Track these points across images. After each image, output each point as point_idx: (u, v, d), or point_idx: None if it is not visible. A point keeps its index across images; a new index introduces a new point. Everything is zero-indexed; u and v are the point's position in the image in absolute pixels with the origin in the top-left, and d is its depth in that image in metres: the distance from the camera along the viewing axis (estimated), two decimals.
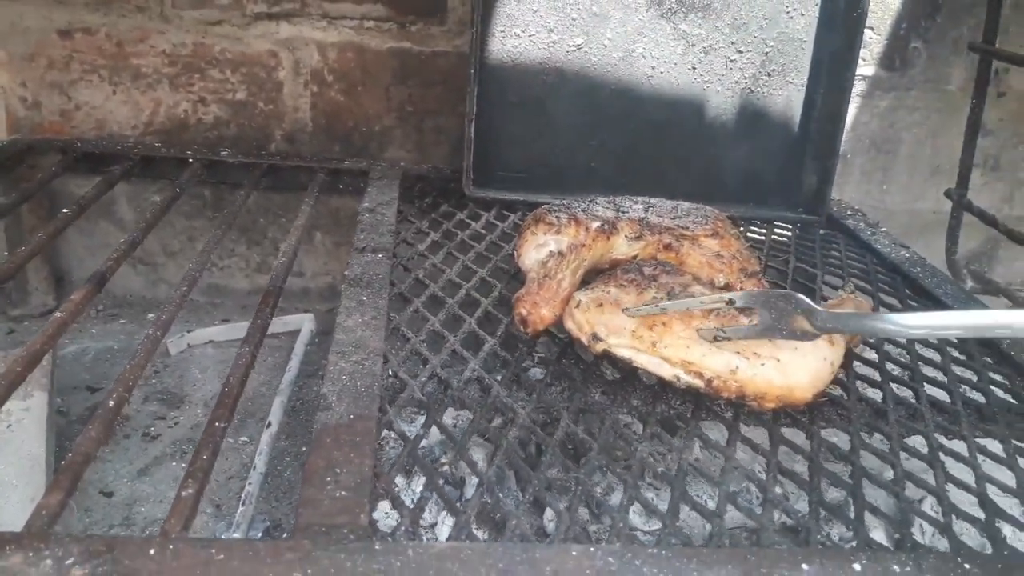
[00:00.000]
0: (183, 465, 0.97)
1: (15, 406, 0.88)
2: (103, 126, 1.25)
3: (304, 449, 1.01)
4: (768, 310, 0.69)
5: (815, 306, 0.68)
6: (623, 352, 0.72)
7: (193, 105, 1.25)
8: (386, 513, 0.69)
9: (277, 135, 1.28)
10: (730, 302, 0.70)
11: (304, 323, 1.24)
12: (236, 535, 0.83)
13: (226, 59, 1.23)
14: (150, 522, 0.88)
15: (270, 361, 1.18)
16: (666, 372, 0.71)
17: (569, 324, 0.75)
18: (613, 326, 0.71)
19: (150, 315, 1.29)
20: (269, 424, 0.99)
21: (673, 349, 0.70)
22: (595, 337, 0.72)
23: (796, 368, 0.69)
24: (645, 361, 0.71)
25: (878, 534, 0.78)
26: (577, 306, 0.74)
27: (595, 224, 0.84)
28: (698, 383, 0.70)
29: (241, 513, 0.85)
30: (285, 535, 0.88)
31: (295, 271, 1.35)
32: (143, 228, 0.95)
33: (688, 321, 0.70)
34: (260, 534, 0.85)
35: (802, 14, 1.19)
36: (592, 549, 0.52)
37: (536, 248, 0.84)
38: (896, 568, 0.54)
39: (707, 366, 0.69)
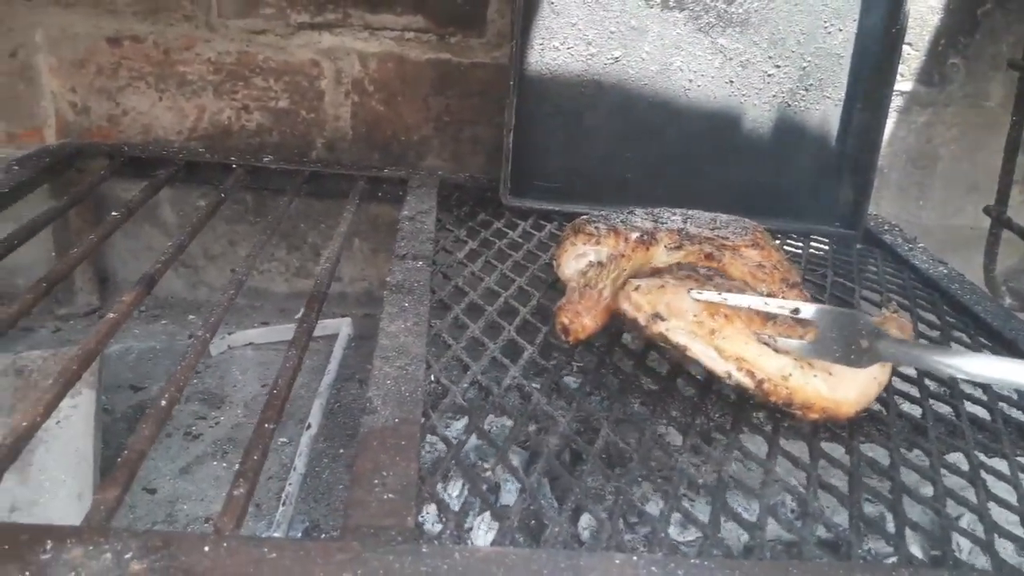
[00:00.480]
0: (224, 464, 0.99)
1: (65, 403, 0.90)
2: (149, 131, 1.28)
3: (342, 451, 1.03)
4: (830, 328, 0.69)
5: (883, 331, 0.68)
6: (680, 337, 0.72)
7: (236, 112, 1.28)
8: (431, 516, 0.70)
9: (318, 143, 1.30)
10: (795, 311, 0.70)
11: (342, 327, 1.26)
12: (277, 534, 0.84)
13: (269, 68, 1.26)
14: (192, 519, 0.90)
15: (308, 364, 1.19)
16: (719, 366, 0.71)
17: (625, 305, 0.75)
18: (675, 308, 0.72)
19: (191, 316, 1.32)
20: (309, 426, 1.00)
21: (731, 343, 0.70)
22: (656, 316, 0.72)
23: (846, 383, 0.69)
24: (699, 351, 0.71)
25: (915, 549, 0.78)
26: (636, 289, 0.74)
27: (634, 235, 0.85)
28: (748, 382, 0.70)
29: (281, 513, 0.87)
30: (323, 535, 0.90)
31: (333, 276, 1.37)
32: (189, 232, 0.98)
33: (750, 319, 0.71)
34: (300, 534, 0.87)
35: (840, 30, 1.19)
36: (635, 558, 0.53)
37: (576, 258, 0.85)
38: None
39: (761, 367, 0.70)
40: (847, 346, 0.68)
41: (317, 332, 1.23)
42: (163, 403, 0.66)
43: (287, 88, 1.27)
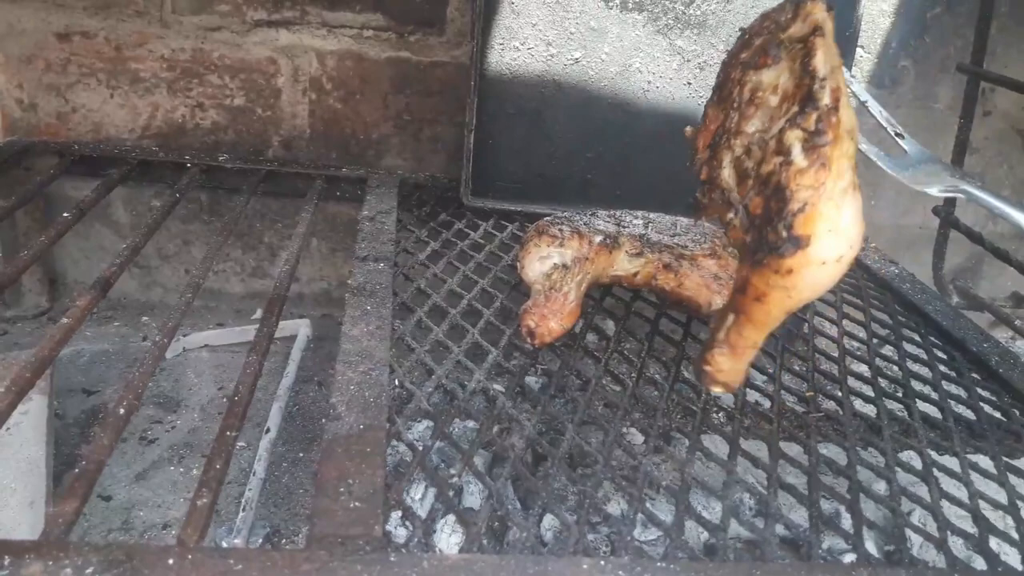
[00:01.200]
0: (181, 470, 0.97)
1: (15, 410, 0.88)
2: (100, 129, 1.25)
3: (302, 455, 1.02)
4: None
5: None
6: None
7: (191, 110, 1.25)
8: (397, 524, 0.69)
9: (274, 141, 1.28)
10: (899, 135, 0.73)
11: (300, 329, 1.24)
12: (237, 540, 0.83)
13: (225, 65, 1.24)
14: (149, 526, 0.88)
15: (267, 366, 1.17)
16: None
17: None
18: None
19: (144, 318, 1.29)
20: (268, 430, 0.99)
21: None
22: None
23: None
24: None
25: (870, 546, 0.80)
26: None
27: (597, 238, 0.85)
28: None
29: (242, 519, 0.85)
30: (284, 541, 0.89)
31: None
32: (144, 233, 0.96)
33: None
34: (260, 539, 0.85)
35: None
36: (602, 563, 0.53)
37: (540, 260, 0.85)
38: None
39: None
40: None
41: (275, 334, 1.22)
42: (121, 411, 0.65)
43: (243, 86, 1.25)
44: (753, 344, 0.65)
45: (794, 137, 0.58)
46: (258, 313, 1.34)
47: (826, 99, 0.58)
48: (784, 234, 0.57)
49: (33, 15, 1.18)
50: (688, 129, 0.74)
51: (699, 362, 0.68)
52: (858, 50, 1.32)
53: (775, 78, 0.63)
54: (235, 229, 1.26)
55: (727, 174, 0.67)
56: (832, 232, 0.57)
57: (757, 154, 0.63)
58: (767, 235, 0.59)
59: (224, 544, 0.82)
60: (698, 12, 1.17)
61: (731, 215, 0.66)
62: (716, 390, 0.68)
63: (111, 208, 1.28)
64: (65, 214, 0.98)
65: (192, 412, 1.07)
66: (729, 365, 0.66)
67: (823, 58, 0.60)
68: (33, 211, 1.24)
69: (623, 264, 0.87)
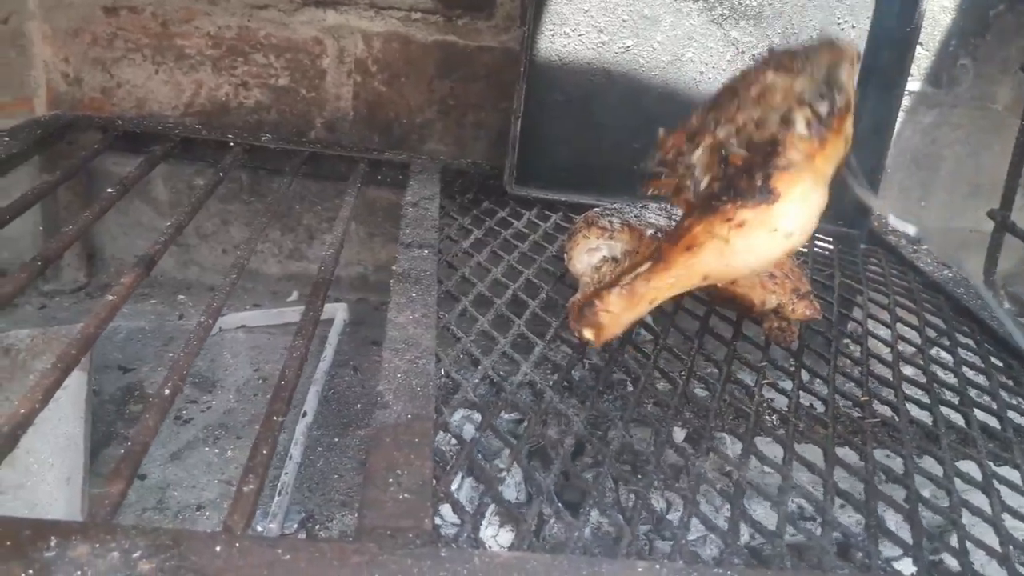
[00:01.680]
0: (215, 451, 0.97)
1: None
2: (143, 105, 1.24)
3: (337, 440, 1.01)
4: None
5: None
6: None
7: (235, 89, 1.24)
8: (445, 517, 0.68)
9: (317, 123, 1.27)
10: None
11: (337, 313, 1.23)
12: (272, 525, 0.82)
13: (270, 44, 1.22)
14: (183, 507, 0.88)
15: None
16: None
17: None
18: None
19: (180, 296, 1.29)
20: (305, 414, 0.98)
21: None
22: None
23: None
24: None
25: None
26: None
27: (649, 232, 0.83)
28: None
29: (277, 503, 0.85)
30: (318, 527, 0.88)
31: None
32: (188, 212, 0.95)
33: None
34: (296, 525, 0.85)
35: (853, 27, 1.17)
36: (658, 567, 0.52)
37: (588, 252, 0.83)
38: None
39: None
40: None
41: None
42: (166, 392, 0.64)
43: (288, 65, 1.24)
44: (652, 299, 0.64)
45: (801, 114, 0.59)
46: (294, 295, 1.33)
47: (841, 102, 0.59)
48: (759, 183, 0.58)
49: None
50: (661, 130, 0.73)
51: (589, 295, 0.66)
52: (917, 47, 1.28)
53: (789, 84, 0.62)
54: (270, 210, 1.25)
55: (697, 155, 0.67)
56: (800, 202, 0.59)
57: (750, 129, 0.63)
58: (738, 181, 0.59)
59: (259, 528, 0.81)
60: (754, 3, 1.14)
61: (687, 183, 0.66)
62: (586, 333, 0.67)
63: (151, 185, 1.28)
64: (109, 190, 0.97)
65: (228, 393, 1.06)
66: (618, 308, 0.65)
67: (849, 74, 0.61)
68: (75, 186, 1.23)
69: None
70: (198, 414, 1.02)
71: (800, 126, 0.59)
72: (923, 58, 1.31)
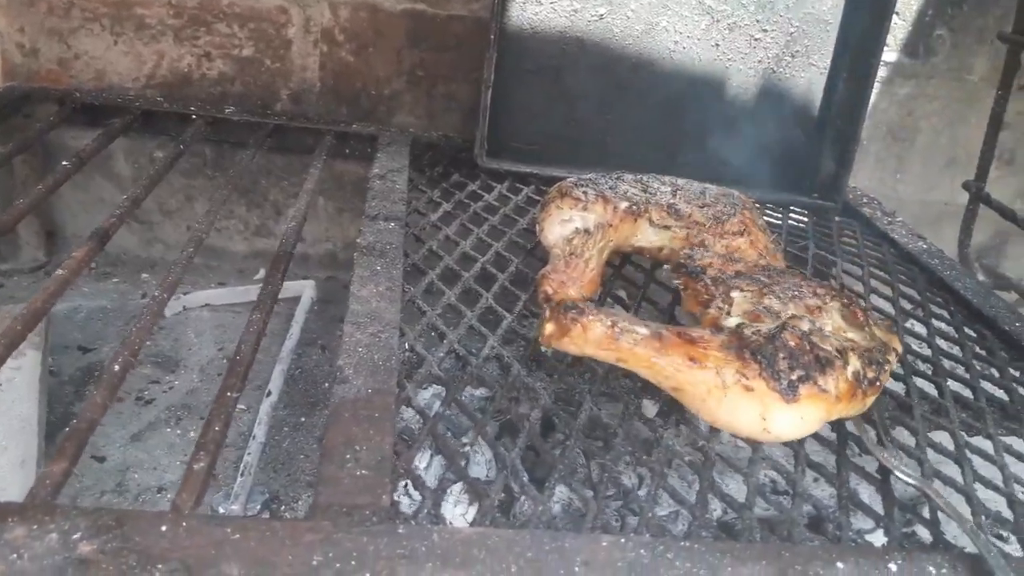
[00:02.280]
0: (178, 431, 0.94)
1: (7, 365, 0.84)
2: (103, 77, 1.20)
3: (303, 419, 0.99)
4: None
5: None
6: None
7: (197, 59, 1.21)
8: (406, 493, 0.66)
9: (283, 94, 1.24)
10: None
11: (305, 290, 1.21)
12: (234, 506, 0.80)
13: (234, 13, 1.19)
14: (143, 489, 0.85)
15: (269, 328, 1.14)
16: None
17: None
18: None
19: (144, 275, 1.26)
20: (269, 393, 0.96)
21: None
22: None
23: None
24: None
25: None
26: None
27: (623, 204, 0.81)
28: None
29: (240, 484, 0.83)
30: (284, 507, 0.86)
31: None
32: (145, 185, 0.92)
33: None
34: (259, 506, 0.83)
35: None
36: (623, 540, 0.50)
37: (561, 223, 0.81)
38: (932, 569, 0.53)
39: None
40: None
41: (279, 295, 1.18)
42: (116, 368, 0.61)
43: (252, 35, 1.20)
44: (621, 359, 0.65)
45: (856, 362, 0.65)
46: (261, 273, 1.31)
47: (882, 379, 0.66)
48: (794, 377, 0.61)
49: None
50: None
51: (583, 308, 0.66)
52: (893, 17, 1.26)
53: (854, 328, 0.70)
54: (239, 185, 1.22)
55: (742, 296, 0.70)
56: (800, 419, 0.62)
57: (811, 327, 0.67)
58: (779, 357, 0.62)
59: (221, 510, 0.79)
60: None
61: (719, 304, 0.70)
62: (548, 327, 0.65)
63: (112, 160, 1.24)
64: (64, 163, 0.94)
65: (191, 373, 1.04)
66: (592, 338, 0.64)
67: (892, 364, 0.69)
68: (32, 160, 1.20)
69: (647, 235, 0.83)
70: (160, 394, 0.99)
71: (851, 369, 0.64)
72: (900, 28, 1.30)
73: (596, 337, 0.64)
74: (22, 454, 0.81)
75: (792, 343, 0.63)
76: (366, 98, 1.25)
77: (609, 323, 0.64)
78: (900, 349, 0.70)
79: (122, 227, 1.24)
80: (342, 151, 1.20)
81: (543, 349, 0.67)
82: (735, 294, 0.70)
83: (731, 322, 0.67)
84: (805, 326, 0.65)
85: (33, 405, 0.84)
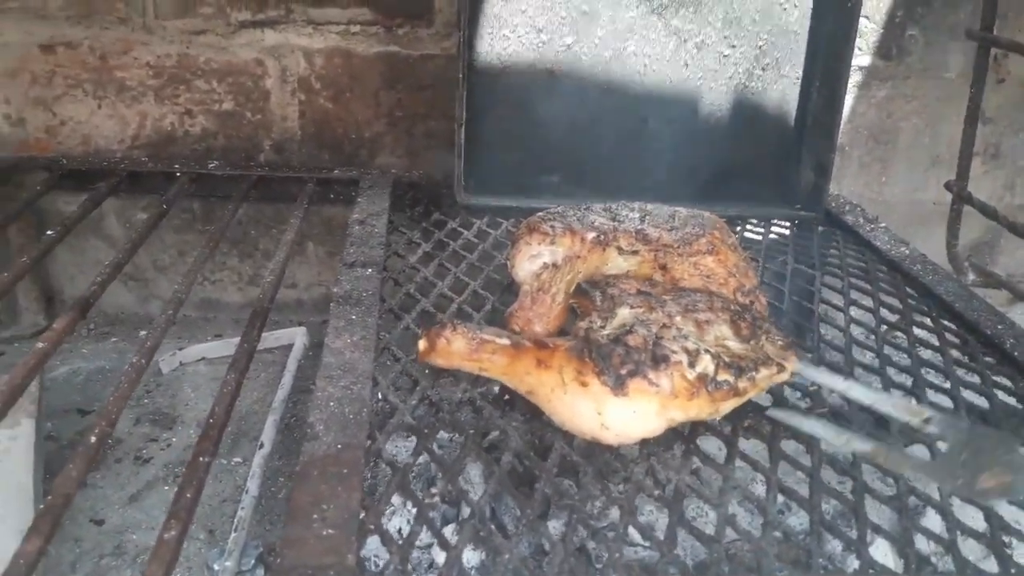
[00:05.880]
0: (176, 490, 0.96)
1: (2, 435, 0.87)
2: (89, 141, 1.23)
3: (298, 469, 0.99)
4: (962, 447, 0.65)
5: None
6: None
7: (179, 117, 1.23)
8: (375, 548, 0.67)
9: (266, 145, 1.26)
10: (927, 420, 0.67)
11: (297, 337, 1.22)
12: (228, 563, 0.81)
13: (211, 69, 1.21)
14: (142, 550, 0.87)
15: (263, 377, 1.16)
16: None
17: None
18: None
19: (142, 332, 1.28)
20: (261, 445, 0.97)
21: None
22: None
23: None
24: None
25: (875, 550, 0.76)
26: None
27: (591, 235, 0.82)
28: None
29: (233, 540, 0.84)
30: (279, 560, 0.87)
31: (288, 283, 1.34)
32: (129, 248, 0.94)
33: None
34: (253, 561, 0.84)
35: (796, 6, 1.16)
36: None
37: (530, 259, 0.82)
38: None
39: None
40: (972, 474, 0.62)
41: (271, 343, 1.20)
42: (92, 440, 0.63)
43: (231, 89, 1.23)
44: (483, 368, 0.70)
45: (706, 364, 0.65)
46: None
47: (740, 389, 0.66)
48: (623, 371, 0.62)
49: (16, 27, 1.17)
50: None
51: (448, 322, 0.71)
52: (862, 21, 1.27)
53: (732, 336, 0.70)
54: (228, 236, 1.24)
55: (625, 313, 0.71)
56: (632, 415, 0.63)
57: (669, 329, 0.67)
58: (614, 354, 0.63)
59: (216, 567, 0.80)
60: None
61: (589, 323, 0.70)
62: (421, 344, 0.71)
63: (104, 221, 1.27)
64: (49, 232, 0.96)
65: (188, 429, 1.05)
66: (456, 350, 0.70)
67: (768, 382, 0.69)
68: (26, 228, 1.22)
69: (617, 262, 0.84)
70: (158, 452, 1.01)
71: (699, 369, 0.64)
72: (871, 31, 1.30)
73: (459, 349, 0.69)
74: (20, 523, 0.82)
75: (633, 343, 0.64)
76: (348, 142, 1.27)
77: (471, 336, 0.69)
78: (792, 367, 0.70)
79: (119, 286, 1.28)
80: (327, 197, 1.22)
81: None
82: (622, 310, 0.71)
83: (599, 332, 0.69)
84: (666, 332, 0.66)
85: (28, 473, 0.86)
